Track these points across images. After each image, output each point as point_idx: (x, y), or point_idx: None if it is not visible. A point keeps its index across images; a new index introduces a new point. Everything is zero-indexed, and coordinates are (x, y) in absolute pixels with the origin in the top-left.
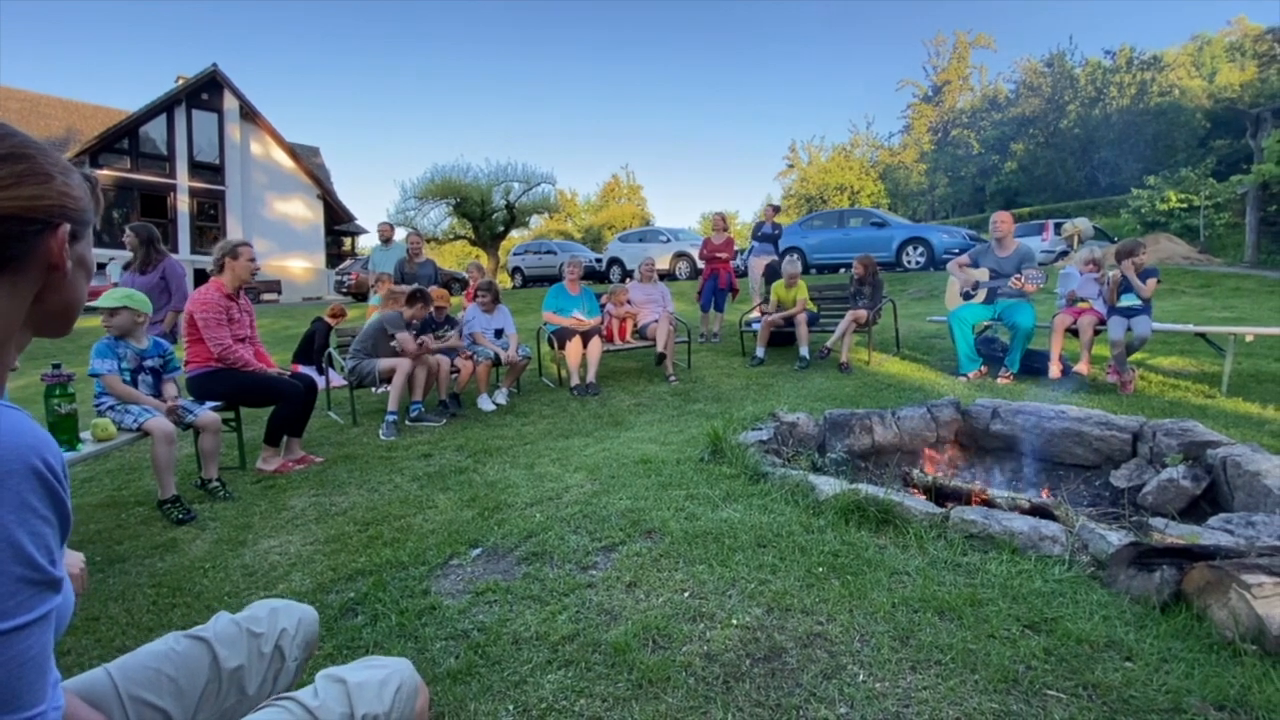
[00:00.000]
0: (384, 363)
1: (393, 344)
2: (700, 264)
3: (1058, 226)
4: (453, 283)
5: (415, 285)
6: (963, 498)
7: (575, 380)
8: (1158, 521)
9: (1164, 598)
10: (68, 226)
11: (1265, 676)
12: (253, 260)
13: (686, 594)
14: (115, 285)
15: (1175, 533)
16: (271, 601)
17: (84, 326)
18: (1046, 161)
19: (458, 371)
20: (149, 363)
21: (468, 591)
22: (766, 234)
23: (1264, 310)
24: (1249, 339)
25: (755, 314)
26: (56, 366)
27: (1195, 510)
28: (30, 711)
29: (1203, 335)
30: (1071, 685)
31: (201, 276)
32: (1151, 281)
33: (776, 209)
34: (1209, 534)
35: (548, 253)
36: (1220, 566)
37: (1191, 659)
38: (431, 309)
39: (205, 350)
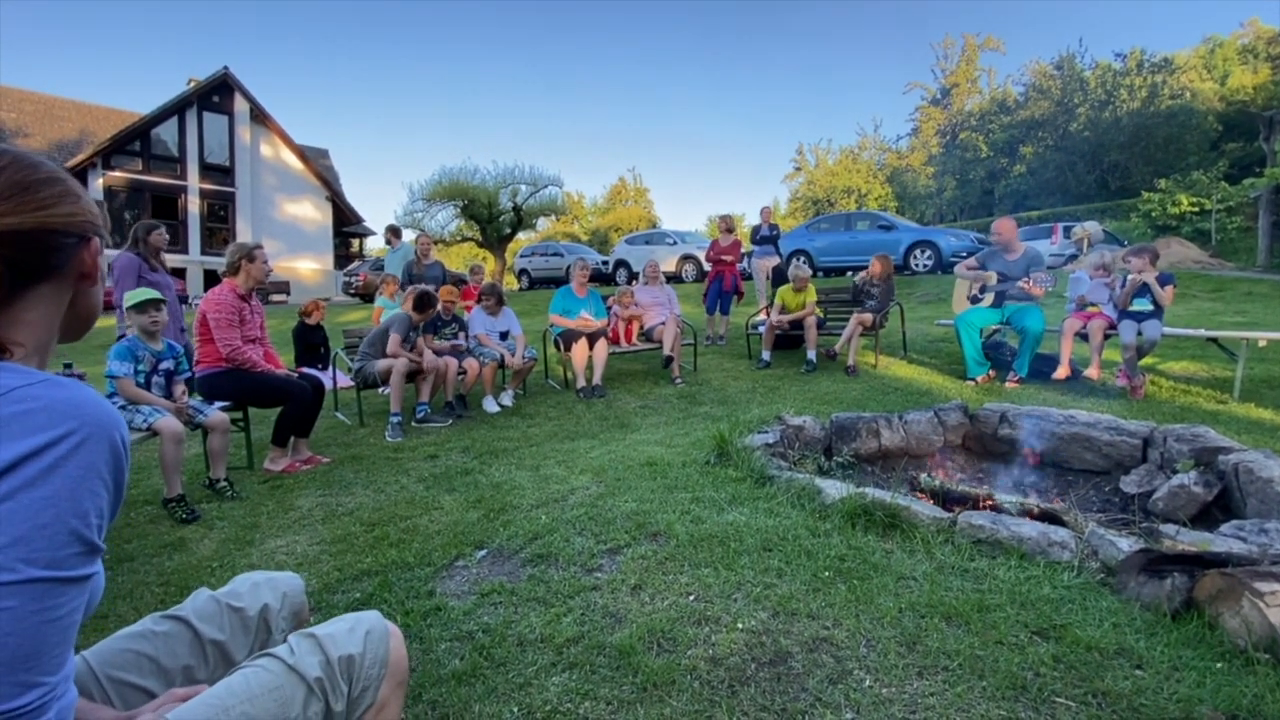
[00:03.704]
0: (381, 364)
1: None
2: (707, 266)
3: (1067, 230)
4: (459, 284)
5: (419, 287)
6: (970, 502)
7: (581, 382)
8: (1168, 528)
9: (1175, 605)
10: (99, 239)
11: (1279, 686)
12: (266, 263)
13: (692, 597)
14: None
15: (1186, 539)
16: (253, 575)
17: (98, 326)
18: (1056, 165)
19: (464, 373)
20: (164, 365)
21: (473, 593)
22: (765, 236)
23: (1277, 315)
24: (1262, 344)
25: (761, 316)
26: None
27: (1206, 517)
28: (47, 678)
29: (1215, 340)
30: (1081, 693)
31: (211, 278)
32: (1170, 288)
33: (769, 210)
34: (1221, 541)
35: (554, 255)
36: (1233, 574)
37: (1203, 667)
38: (439, 308)
39: (215, 350)
